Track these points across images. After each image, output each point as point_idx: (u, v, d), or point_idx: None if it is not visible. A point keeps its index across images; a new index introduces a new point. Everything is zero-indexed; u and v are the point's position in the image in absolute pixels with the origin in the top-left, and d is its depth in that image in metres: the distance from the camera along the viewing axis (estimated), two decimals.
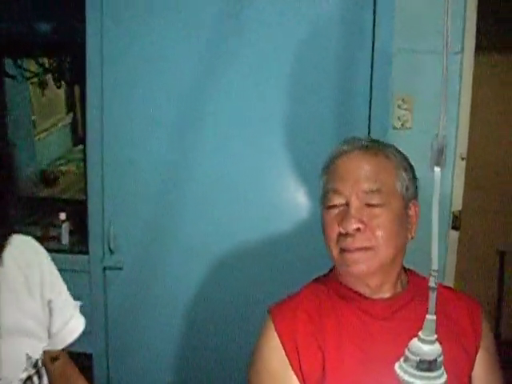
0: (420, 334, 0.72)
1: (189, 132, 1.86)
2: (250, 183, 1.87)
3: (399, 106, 2.24)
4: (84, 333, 1.89)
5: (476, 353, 1.25)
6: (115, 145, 1.88)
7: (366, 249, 1.17)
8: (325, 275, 1.35)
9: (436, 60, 2.22)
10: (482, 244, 3.77)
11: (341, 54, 1.77)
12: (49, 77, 2.52)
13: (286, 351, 1.22)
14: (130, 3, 1.84)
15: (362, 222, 1.17)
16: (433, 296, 0.71)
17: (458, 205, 2.26)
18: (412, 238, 1.26)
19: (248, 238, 1.88)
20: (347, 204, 1.19)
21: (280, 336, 1.23)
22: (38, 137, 2.87)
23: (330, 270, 1.35)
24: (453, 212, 2.26)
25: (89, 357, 1.94)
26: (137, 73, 1.86)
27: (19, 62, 2.40)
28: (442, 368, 0.73)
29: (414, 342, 0.73)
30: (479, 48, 3.38)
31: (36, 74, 2.48)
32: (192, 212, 1.88)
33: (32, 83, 2.56)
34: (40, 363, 1.09)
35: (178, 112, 1.87)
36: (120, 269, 1.88)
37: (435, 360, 0.71)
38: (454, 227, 2.28)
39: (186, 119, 1.87)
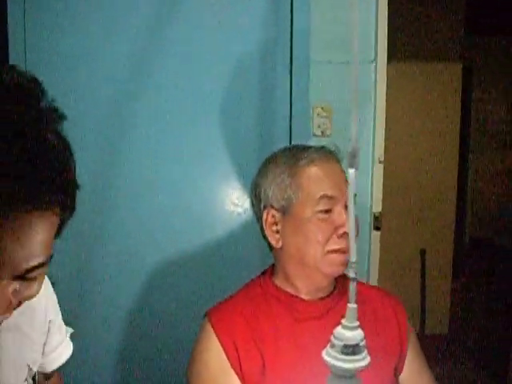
0: (343, 321, 0.79)
1: (120, 136, 1.88)
2: (183, 190, 1.92)
3: (318, 115, 2.34)
4: None
5: (402, 351, 1.35)
6: None
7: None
8: (259, 277, 1.41)
9: (350, 69, 2.34)
10: (404, 243, 3.96)
11: (262, 67, 1.85)
12: None
13: (225, 352, 1.27)
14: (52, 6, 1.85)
15: None
16: (353, 285, 0.78)
17: (377, 206, 2.37)
18: None
19: (183, 243, 1.92)
20: (333, 208, 1.25)
21: (219, 338, 1.28)
22: None
23: (262, 273, 1.42)
24: (373, 213, 2.38)
25: None
26: (62, 75, 1.86)
27: None
28: (365, 351, 0.80)
29: (339, 329, 0.79)
30: (397, 57, 3.59)
31: None
32: (125, 220, 1.90)
33: None
34: (37, 377, 1.09)
35: (107, 115, 1.88)
36: (52, 284, 1.87)
37: (358, 344, 0.78)
38: (376, 228, 2.39)
39: (115, 123, 1.89)
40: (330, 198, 1.24)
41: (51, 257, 0.76)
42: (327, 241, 1.24)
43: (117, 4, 1.85)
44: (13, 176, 0.64)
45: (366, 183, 2.37)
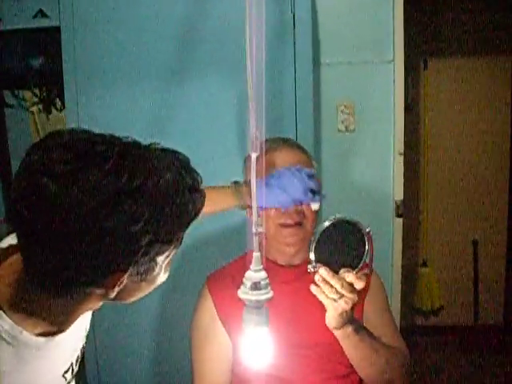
0: (251, 266, 1.06)
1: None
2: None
3: (342, 112, 2.58)
4: None
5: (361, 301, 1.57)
6: None
7: (299, 224, 1.49)
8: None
9: (371, 69, 2.56)
10: (456, 234, 4.06)
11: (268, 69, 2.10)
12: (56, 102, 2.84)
13: (216, 307, 1.55)
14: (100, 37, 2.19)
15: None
16: (255, 239, 1.04)
17: (399, 194, 2.56)
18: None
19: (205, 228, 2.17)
20: None
21: (212, 296, 1.56)
22: None
23: None
24: (395, 201, 2.57)
25: None
26: (109, 98, 2.19)
27: (16, 92, 2.76)
28: (269, 288, 1.06)
29: (248, 272, 1.06)
30: (440, 54, 3.73)
31: (33, 103, 2.83)
32: None
33: (30, 111, 2.92)
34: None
35: (146, 128, 2.18)
36: None
37: (260, 282, 1.05)
38: (398, 215, 2.58)
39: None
40: None
41: None
42: (277, 216, 1.48)
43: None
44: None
45: (388, 173, 2.57)
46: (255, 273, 1.05)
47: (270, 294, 1.06)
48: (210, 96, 2.14)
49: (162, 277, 1.03)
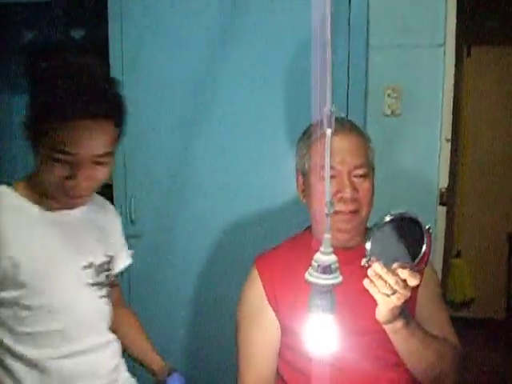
0: (321, 248, 1.01)
1: (199, 122, 2.14)
2: (251, 163, 2.14)
3: (389, 95, 2.50)
4: None
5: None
6: (134, 135, 2.19)
7: (355, 212, 1.44)
8: (302, 232, 1.64)
9: (421, 53, 2.47)
10: (492, 227, 3.97)
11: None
12: None
13: (265, 290, 1.51)
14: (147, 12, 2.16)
15: (355, 189, 1.44)
16: (328, 221, 0.99)
17: (444, 182, 2.48)
18: None
19: (248, 209, 2.16)
20: (335, 176, 1.43)
21: (261, 277, 1.52)
22: None
23: (305, 229, 1.64)
24: (440, 189, 2.49)
25: None
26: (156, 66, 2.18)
27: None
28: (338, 272, 1.01)
29: (317, 254, 1.01)
30: (484, 41, 3.62)
31: None
32: (201, 188, 2.16)
33: None
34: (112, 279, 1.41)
35: (189, 103, 2.15)
36: (139, 237, 2.19)
37: (330, 265, 1.00)
38: (442, 203, 2.50)
39: (195, 109, 2.15)
40: (331, 167, 1.38)
41: (112, 153, 1.23)
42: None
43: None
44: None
45: (434, 160, 2.48)
46: (325, 255, 1.00)
47: (340, 279, 1.01)
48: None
49: None
